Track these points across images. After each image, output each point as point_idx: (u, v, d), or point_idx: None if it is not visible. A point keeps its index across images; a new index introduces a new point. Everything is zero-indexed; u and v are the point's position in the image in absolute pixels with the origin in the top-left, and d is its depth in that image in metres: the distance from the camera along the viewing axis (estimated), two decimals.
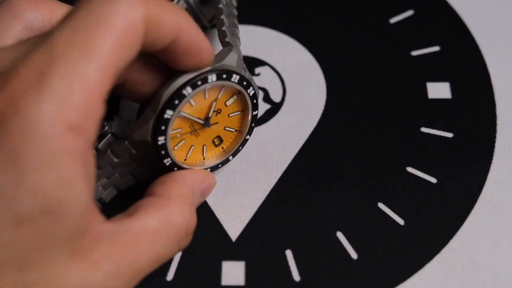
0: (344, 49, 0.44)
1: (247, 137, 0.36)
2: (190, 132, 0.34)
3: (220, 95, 0.33)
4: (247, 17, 0.45)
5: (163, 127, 0.32)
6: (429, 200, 0.38)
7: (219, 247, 0.37)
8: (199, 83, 0.32)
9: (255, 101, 0.35)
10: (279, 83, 0.43)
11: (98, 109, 0.25)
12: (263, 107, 0.42)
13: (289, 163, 0.39)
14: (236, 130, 0.36)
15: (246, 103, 0.35)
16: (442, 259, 0.36)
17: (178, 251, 0.31)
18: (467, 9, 0.46)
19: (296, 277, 0.36)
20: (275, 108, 0.42)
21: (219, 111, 0.34)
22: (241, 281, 0.36)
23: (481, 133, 0.41)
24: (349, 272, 0.36)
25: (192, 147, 0.35)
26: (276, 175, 0.39)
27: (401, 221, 0.37)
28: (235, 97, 0.34)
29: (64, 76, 0.24)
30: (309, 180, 0.39)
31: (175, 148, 0.34)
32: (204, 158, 0.36)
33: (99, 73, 0.25)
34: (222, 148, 0.36)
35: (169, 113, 0.31)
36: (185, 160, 0.35)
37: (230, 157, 0.36)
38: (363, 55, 0.44)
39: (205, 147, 0.35)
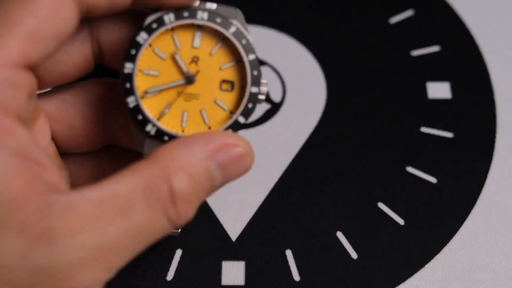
0: (344, 49, 0.44)
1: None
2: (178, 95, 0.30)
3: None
4: (248, 17, 0.45)
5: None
6: (429, 200, 0.38)
7: (219, 247, 0.37)
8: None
9: (244, 42, 0.30)
10: (279, 83, 0.43)
11: (3, 73, 0.26)
12: (263, 107, 0.42)
13: (289, 163, 0.39)
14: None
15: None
16: (442, 259, 0.36)
17: (171, 224, 0.27)
18: (467, 9, 0.46)
19: (296, 277, 0.36)
20: (275, 108, 0.42)
21: (195, 59, 0.30)
22: (241, 281, 0.36)
23: (481, 133, 0.41)
24: (349, 272, 0.36)
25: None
26: (276, 175, 0.39)
27: (401, 221, 0.37)
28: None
29: None
30: (309, 180, 0.39)
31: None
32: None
33: (5, 43, 0.26)
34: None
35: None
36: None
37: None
38: (363, 55, 0.44)
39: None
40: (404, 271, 0.36)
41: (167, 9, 0.29)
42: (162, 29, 0.29)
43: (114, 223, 0.25)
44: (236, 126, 0.30)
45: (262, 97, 0.30)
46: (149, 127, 0.29)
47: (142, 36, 0.29)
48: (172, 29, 0.30)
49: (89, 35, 0.31)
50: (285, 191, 0.39)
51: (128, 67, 0.29)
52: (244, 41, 0.30)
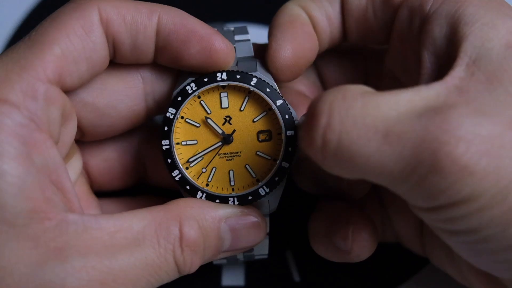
0: None
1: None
2: (215, 156, 0.31)
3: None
4: (248, 16, 0.44)
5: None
6: None
7: None
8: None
9: (268, 90, 0.30)
10: None
11: (39, 87, 0.27)
12: None
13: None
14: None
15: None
16: None
17: (176, 269, 0.28)
18: None
19: (296, 277, 0.36)
20: None
21: (228, 118, 0.31)
22: (241, 281, 0.36)
23: None
24: (349, 272, 0.36)
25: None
26: None
27: None
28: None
29: (5, 63, 0.27)
30: None
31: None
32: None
33: (40, 59, 0.27)
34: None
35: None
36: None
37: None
38: None
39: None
40: (405, 271, 0.36)
41: (189, 70, 0.30)
42: (188, 99, 0.30)
43: (125, 252, 0.26)
44: (281, 173, 0.31)
45: (300, 140, 0.30)
46: (199, 194, 0.30)
47: (171, 111, 0.30)
48: (198, 96, 0.30)
49: (142, 92, 0.31)
50: (285, 191, 0.38)
51: (165, 143, 0.30)
52: (268, 89, 0.30)
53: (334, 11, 0.32)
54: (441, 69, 0.27)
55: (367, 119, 0.24)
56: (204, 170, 0.31)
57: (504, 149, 0.23)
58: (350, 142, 0.24)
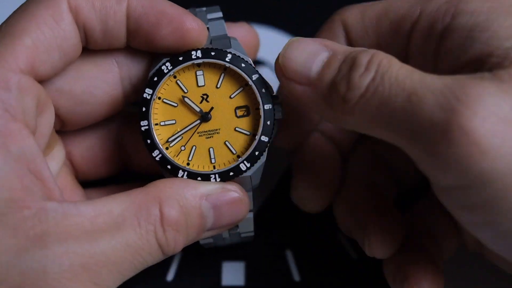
0: None
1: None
2: (194, 134, 0.31)
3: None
4: (248, 15, 0.45)
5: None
6: None
7: (219, 248, 0.37)
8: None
9: (243, 65, 0.30)
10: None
11: (11, 77, 0.27)
12: None
13: (289, 163, 0.39)
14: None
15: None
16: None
17: (160, 249, 0.28)
18: None
19: (296, 277, 0.36)
20: None
21: (205, 96, 0.31)
22: (241, 281, 0.36)
23: None
24: (349, 272, 0.36)
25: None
26: (276, 175, 0.39)
27: None
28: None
29: None
30: None
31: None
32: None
33: (11, 50, 0.27)
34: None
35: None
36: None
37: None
38: None
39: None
40: None
41: (162, 52, 0.30)
42: (164, 79, 0.30)
43: (106, 236, 0.26)
44: (261, 147, 0.31)
45: (278, 113, 0.31)
46: (180, 173, 0.30)
47: (147, 92, 0.30)
48: (174, 75, 0.31)
49: (118, 77, 0.31)
50: (285, 191, 0.39)
51: (143, 124, 0.30)
52: (243, 64, 0.30)
53: None
54: None
55: (400, 76, 0.26)
56: (183, 148, 0.31)
57: None
58: (383, 92, 0.26)
